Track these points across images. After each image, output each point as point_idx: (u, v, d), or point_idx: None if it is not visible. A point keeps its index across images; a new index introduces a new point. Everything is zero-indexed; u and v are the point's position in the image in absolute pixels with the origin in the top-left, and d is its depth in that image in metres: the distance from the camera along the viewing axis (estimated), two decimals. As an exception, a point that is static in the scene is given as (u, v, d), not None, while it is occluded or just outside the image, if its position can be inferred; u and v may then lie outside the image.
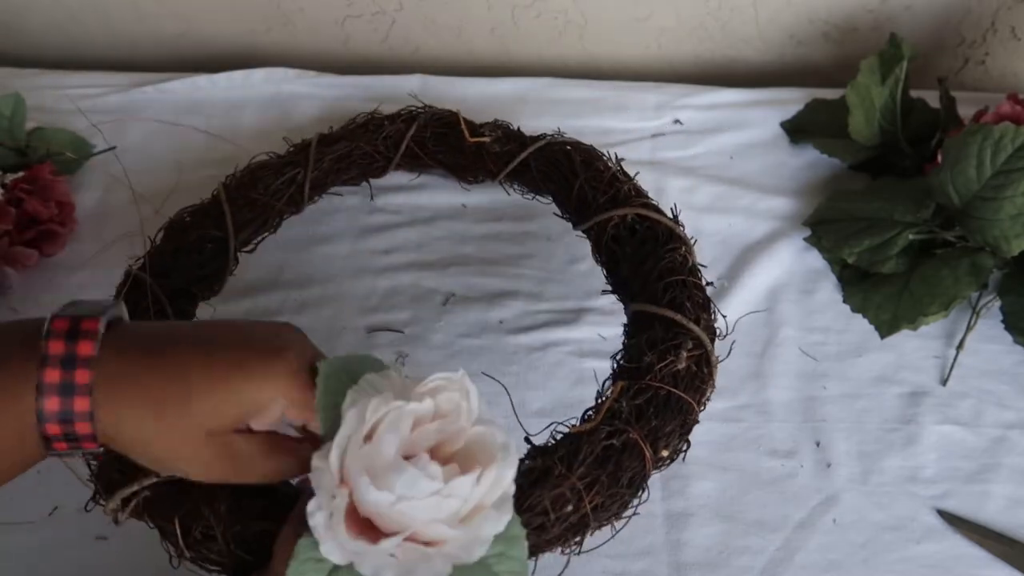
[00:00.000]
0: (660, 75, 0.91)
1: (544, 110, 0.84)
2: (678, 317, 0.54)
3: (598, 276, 0.63)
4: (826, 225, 0.73)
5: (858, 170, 0.79)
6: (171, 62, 0.94)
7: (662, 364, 0.51)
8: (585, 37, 0.91)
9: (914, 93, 0.77)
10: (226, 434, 0.40)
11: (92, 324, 0.39)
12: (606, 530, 0.59)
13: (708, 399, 0.53)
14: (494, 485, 0.39)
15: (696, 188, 0.78)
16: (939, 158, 0.68)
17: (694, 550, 0.59)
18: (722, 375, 0.67)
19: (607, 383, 0.53)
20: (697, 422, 0.52)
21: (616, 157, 0.65)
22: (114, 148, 0.81)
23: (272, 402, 0.40)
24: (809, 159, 0.81)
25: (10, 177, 0.72)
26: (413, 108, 0.74)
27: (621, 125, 0.84)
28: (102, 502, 0.46)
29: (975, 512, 0.60)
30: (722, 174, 0.80)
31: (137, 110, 0.85)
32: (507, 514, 0.39)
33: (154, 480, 0.45)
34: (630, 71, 0.93)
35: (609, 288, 0.62)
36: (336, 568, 0.38)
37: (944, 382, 0.66)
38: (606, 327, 0.69)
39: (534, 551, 0.47)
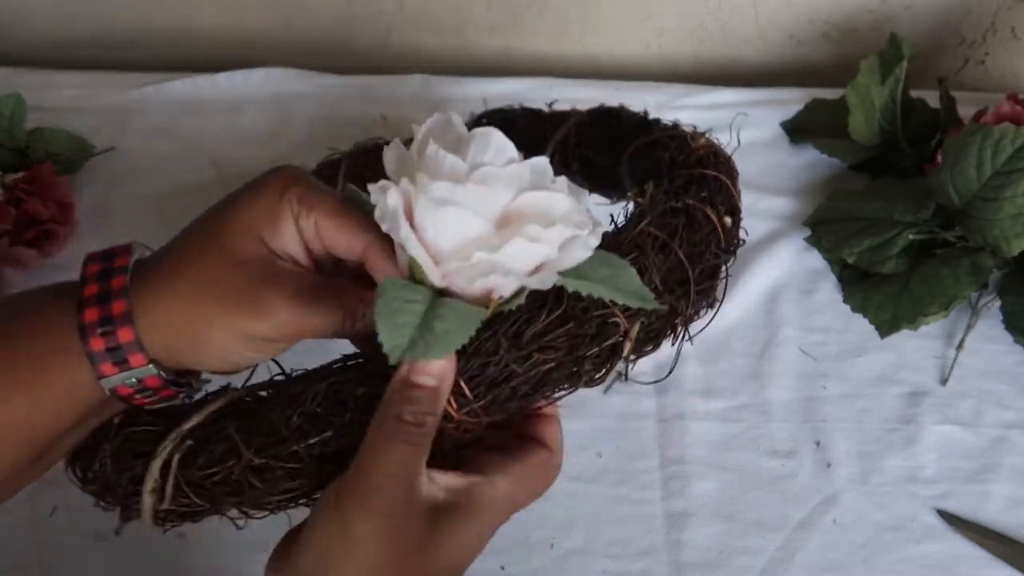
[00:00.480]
0: (660, 75, 0.91)
1: (544, 110, 0.84)
2: (670, 132, 0.51)
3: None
4: (826, 225, 0.73)
5: (858, 170, 0.79)
6: (171, 62, 0.94)
7: (679, 156, 0.48)
8: (585, 37, 0.91)
9: (914, 93, 0.77)
10: (260, 258, 0.38)
11: (124, 260, 0.40)
12: (609, 530, 0.59)
13: (739, 192, 0.50)
14: (573, 192, 0.36)
15: (696, 188, 0.78)
16: (939, 158, 0.68)
17: (694, 550, 0.59)
18: (722, 375, 0.67)
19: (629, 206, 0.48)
20: (739, 209, 0.49)
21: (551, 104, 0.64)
22: (114, 148, 0.81)
23: (277, 204, 0.38)
24: (809, 159, 0.81)
25: (10, 177, 0.72)
26: (333, 153, 0.72)
27: (621, 125, 0.84)
28: (136, 507, 0.40)
29: (975, 512, 0.60)
30: (722, 174, 0.80)
31: (137, 110, 0.85)
32: (599, 226, 0.36)
33: (191, 424, 0.39)
34: (630, 71, 0.93)
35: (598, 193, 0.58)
36: (431, 307, 0.34)
37: (944, 382, 0.66)
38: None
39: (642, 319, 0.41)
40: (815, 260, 0.73)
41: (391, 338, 0.33)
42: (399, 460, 0.36)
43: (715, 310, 0.46)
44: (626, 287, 0.37)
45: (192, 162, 0.81)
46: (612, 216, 0.45)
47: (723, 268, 0.46)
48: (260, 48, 0.93)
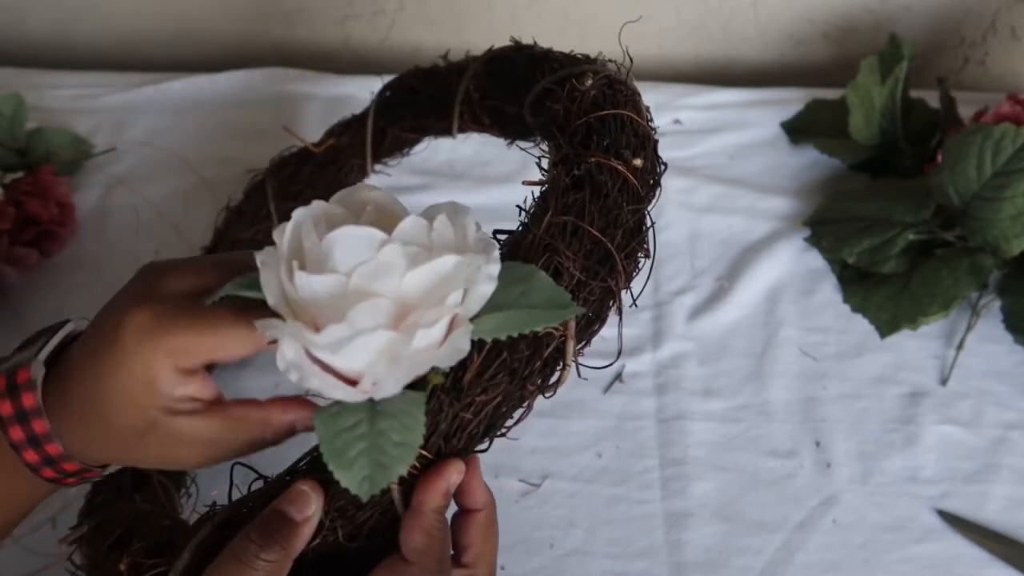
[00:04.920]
0: (660, 75, 0.91)
1: (544, 110, 0.84)
2: (559, 76, 0.47)
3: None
4: (826, 225, 0.73)
5: (858, 170, 0.79)
6: (171, 62, 0.94)
7: (572, 103, 0.44)
8: (585, 37, 0.91)
9: (914, 93, 0.77)
10: (160, 422, 0.37)
11: (25, 373, 0.39)
12: (609, 530, 0.59)
13: (651, 119, 0.46)
14: (452, 216, 0.35)
15: (696, 188, 0.78)
16: (939, 158, 0.68)
17: (694, 550, 0.59)
18: (722, 375, 0.67)
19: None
20: (653, 136, 0.45)
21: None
22: (114, 148, 0.81)
23: (153, 371, 0.36)
24: (809, 159, 0.81)
25: (10, 177, 0.72)
26: (255, 175, 0.71)
27: (621, 125, 0.84)
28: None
29: (975, 512, 0.60)
30: (722, 174, 0.80)
31: (137, 110, 0.85)
32: (494, 248, 0.35)
33: (185, 563, 0.39)
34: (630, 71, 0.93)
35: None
36: (373, 421, 0.33)
37: (944, 382, 0.66)
38: (605, 327, 0.68)
39: (578, 291, 0.38)
40: (815, 260, 0.73)
41: (351, 478, 0.32)
42: None
43: (651, 260, 0.42)
44: (541, 301, 0.35)
45: (192, 162, 0.81)
46: (520, 207, 0.42)
47: (646, 218, 0.42)
48: (260, 48, 0.93)
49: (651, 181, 0.43)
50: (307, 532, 0.37)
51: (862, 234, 0.69)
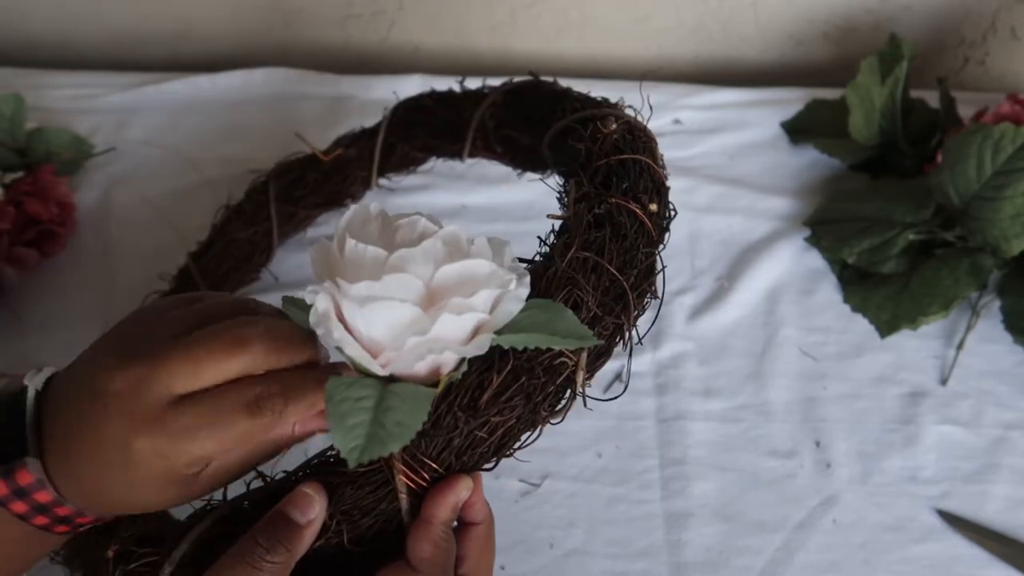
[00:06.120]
0: (660, 75, 0.91)
1: (544, 110, 0.84)
2: (582, 116, 0.49)
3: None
4: (826, 225, 0.73)
5: (858, 170, 0.79)
6: (171, 62, 0.94)
7: (595, 144, 0.46)
8: (585, 37, 0.91)
9: (914, 93, 0.77)
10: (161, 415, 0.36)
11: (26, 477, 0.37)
12: (609, 530, 0.59)
13: (664, 165, 0.47)
14: (494, 246, 0.38)
15: (696, 188, 0.78)
16: (939, 158, 0.68)
17: (694, 550, 0.59)
18: (722, 375, 0.67)
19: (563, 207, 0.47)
20: (666, 183, 0.47)
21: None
22: (114, 148, 0.81)
23: (176, 469, 0.36)
24: (809, 159, 0.81)
25: (10, 177, 0.72)
26: (258, 175, 0.71)
27: (621, 125, 0.84)
28: None
29: (975, 512, 0.60)
30: (722, 174, 0.80)
31: (137, 110, 0.85)
32: (526, 276, 0.38)
33: (181, 552, 0.39)
34: (630, 71, 0.93)
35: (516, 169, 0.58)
36: (381, 399, 0.35)
37: (944, 382, 0.66)
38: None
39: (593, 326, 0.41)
40: (815, 260, 0.73)
41: (346, 441, 0.33)
42: None
43: (660, 302, 0.44)
44: (564, 331, 0.37)
45: (192, 162, 0.81)
46: (541, 239, 0.45)
47: (658, 261, 0.44)
48: (260, 48, 0.94)
49: (663, 225, 0.45)
50: (310, 535, 0.37)
51: (862, 234, 0.69)
